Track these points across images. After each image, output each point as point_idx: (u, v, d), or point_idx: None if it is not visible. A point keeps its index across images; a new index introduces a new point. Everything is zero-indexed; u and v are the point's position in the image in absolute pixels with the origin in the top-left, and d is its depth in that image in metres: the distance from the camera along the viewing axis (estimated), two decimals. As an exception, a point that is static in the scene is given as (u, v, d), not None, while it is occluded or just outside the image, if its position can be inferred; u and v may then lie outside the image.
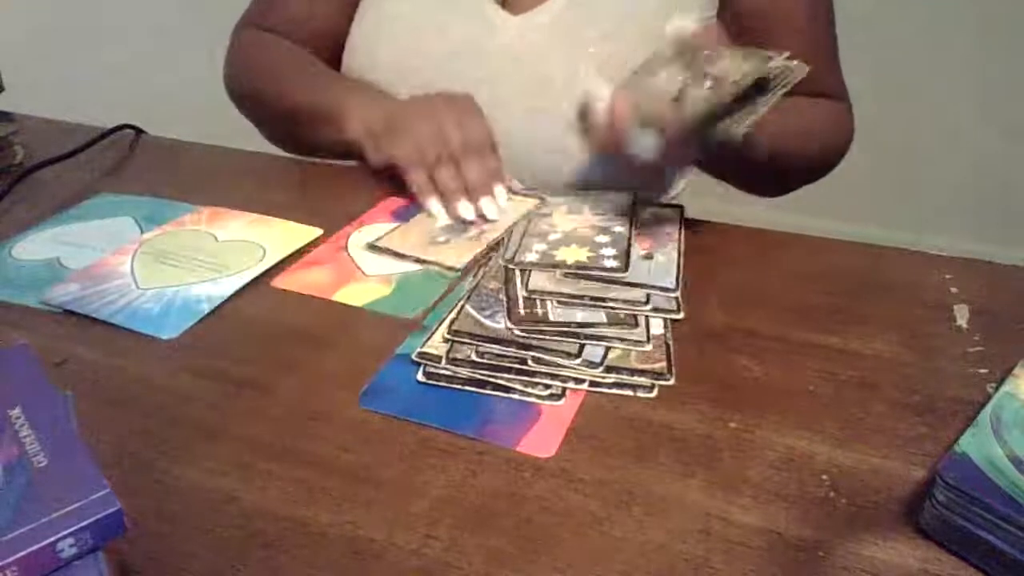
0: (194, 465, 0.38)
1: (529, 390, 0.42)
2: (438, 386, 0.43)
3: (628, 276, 0.49)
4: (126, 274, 0.53)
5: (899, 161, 1.68)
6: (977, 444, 0.35)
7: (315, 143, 0.71)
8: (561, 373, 0.43)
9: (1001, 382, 0.41)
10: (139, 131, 0.76)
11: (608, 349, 0.45)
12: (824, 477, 0.38)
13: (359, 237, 0.58)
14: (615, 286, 0.49)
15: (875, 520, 0.35)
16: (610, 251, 0.51)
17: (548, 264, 0.50)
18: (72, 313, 0.49)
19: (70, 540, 0.27)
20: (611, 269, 0.49)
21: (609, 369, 0.44)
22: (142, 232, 0.58)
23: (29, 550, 0.26)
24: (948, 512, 0.33)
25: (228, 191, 0.64)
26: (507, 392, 0.42)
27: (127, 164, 0.71)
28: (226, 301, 0.50)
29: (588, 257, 0.51)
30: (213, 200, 0.62)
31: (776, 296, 0.52)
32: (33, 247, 0.57)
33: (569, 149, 0.68)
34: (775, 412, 0.41)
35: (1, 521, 0.27)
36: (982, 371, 0.44)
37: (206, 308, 0.49)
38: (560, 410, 0.42)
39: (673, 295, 0.49)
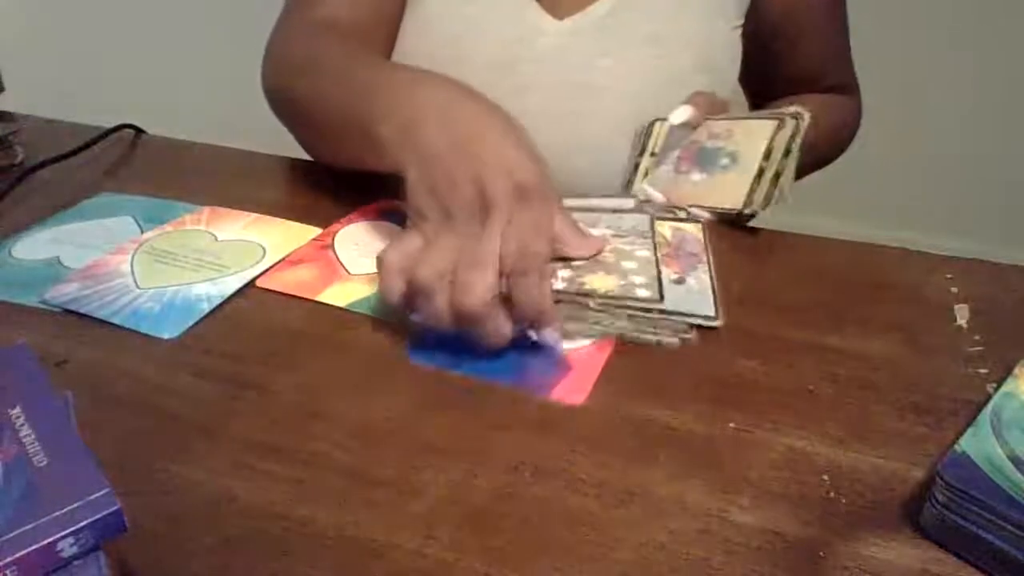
0: (194, 465, 0.38)
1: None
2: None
3: (664, 304, 0.47)
4: (126, 274, 0.53)
5: (899, 161, 1.68)
6: (977, 444, 0.35)
7: (351, 159, 0.59)
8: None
9: (1001, 382, 0.41)
10: (139, 131, 0.76)
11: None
12: (824, 477, 0.38)
13: (345, 235, 0.58)
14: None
15: (875, 520, 0.35)
16: (640, 278, 0.48)
17: (576, 293, 0.47)
18: (72, 313, 0.49)
19: (70, 540, 0.27)
20: (646, 299, 0.47)
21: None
22: (142, 232, 0.58)
23: (29, 550, 0.26)
24: (948, 512, 0.33)
25: (228, 191, 0.64)
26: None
27: (127, 164, 0.71)
28: (226, 301, 0.50)
29: (620, 286, 0.48)
30: (213, 200, 0.62)
31: (776, 296, 0.52)
32: (33, 247, 0.57)
33: (614, 154, 0.68)
34: (775, 412, 0.41)
35: (1, 521, 0.27)
36: (982, 371, 0.44)
37: (206, 308, 0.49)
38: (590, 360, 0.45)
39: (715, 323, 0.47)
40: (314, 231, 0.58)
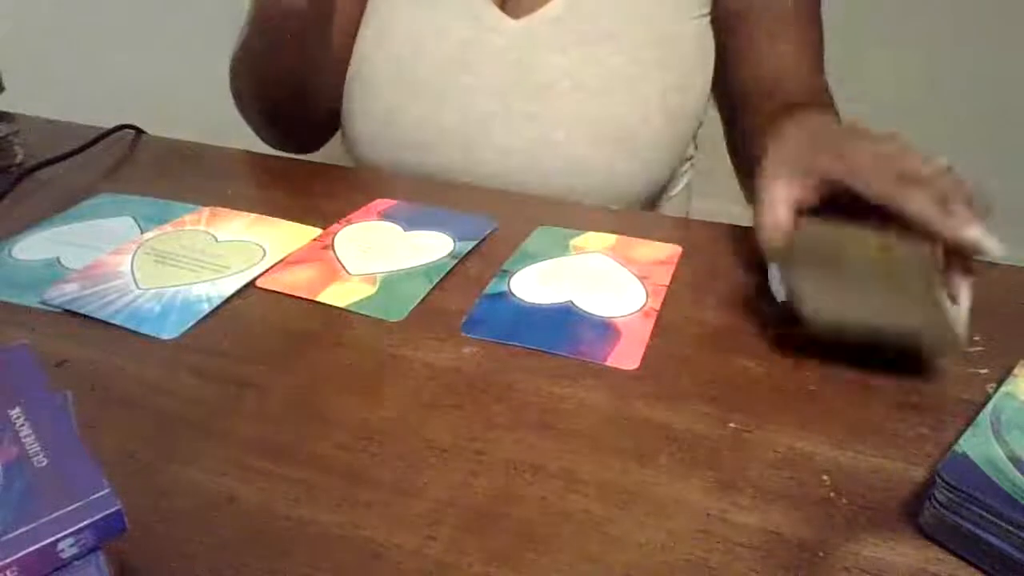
0: (194, 465, 0.38)
1: None
2: (528, 316, 0.49)
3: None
4: (125, 274, 0.53)
5: (899, 161, 1.68)
6: (977, 444, 0.35)
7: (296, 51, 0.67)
8: None
9: (1001, 382, 0.41)
10: (139, 131, 0.76)
11: None
12: (824, 477, 0.38)
13: (345, 235, 0.58)
14: None
15: (875, 520, 0.35)
16: None
17: None
18: (72, 313, 0.49)
19: (70, 540, 0.27)
20: None
21: None
22: (142, 232, 0.58)
23: (29, 550, 0.26)
24: (948, 512, 0.33)
25: (228, 191, 0.64)
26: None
27: (127, 164, 0.71)
28: (226, 301, 0.50)
29: None
30: (213, 200, 0.62)
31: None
32: (33, 247, 0.57)
33: (571, 156, 0.68)
34: (775, 412, 0.41)
35: (1, 521, 0.27)
36: (982, 371, 0.44)
37: (206, 308, 0.49)
38: (638, 327, 0.48)
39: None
40: (314, 231, 0.58)
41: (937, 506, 0.34)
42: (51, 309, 0.50)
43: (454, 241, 0.57)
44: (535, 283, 0.53)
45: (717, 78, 0.73)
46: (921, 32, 1.61)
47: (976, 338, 0.47)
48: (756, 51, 0.70)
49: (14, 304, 0.50)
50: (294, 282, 0.52)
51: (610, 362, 0.45)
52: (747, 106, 0.71)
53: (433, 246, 0.57)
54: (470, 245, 0.57)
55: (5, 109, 0.76)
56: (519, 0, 0.69)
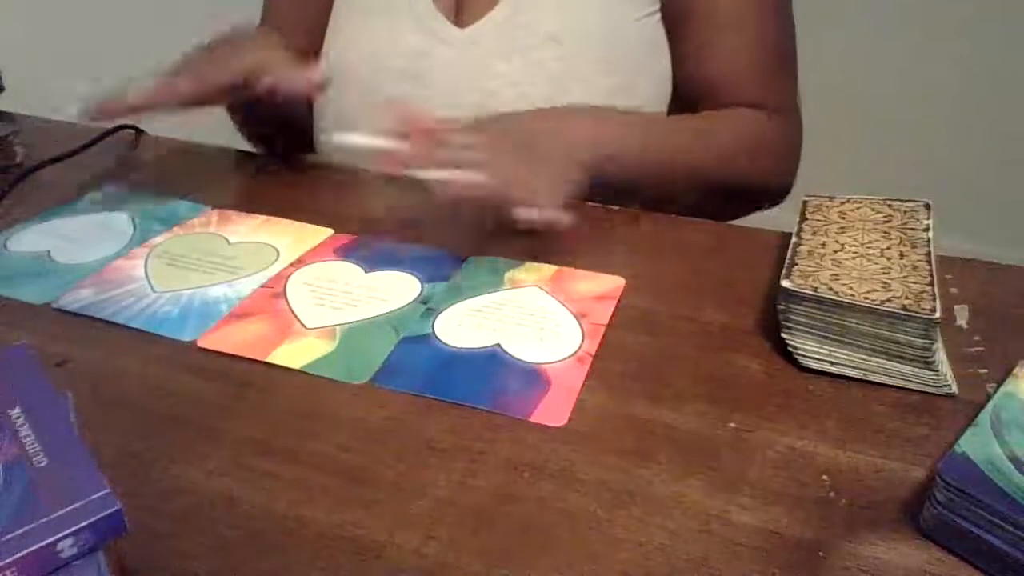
0: (194, 465, 0.38)
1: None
2: (451, 363, 0.45)
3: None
4: (140, 278, 0.53)
5: (899, 161, 1.68)
6: (977, 444, 0.35)
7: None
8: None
9: (1001, 382, 0.41)
10: (139, 131, 0.76)
11: None
12: (824, 477, 0.38)
13: (298, 281, 0.53)
14: None
15: (875, 520, 0.35)
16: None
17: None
18: (73, 314, 0.49)
19: (70, 540, 0.27)
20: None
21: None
22: (135, 228, 0.58)
23: (29, 550, 0.26)
24: (948, 512, 0.33)
25: (228, 191, 0.64)
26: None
27: (127, 164, 0.71)
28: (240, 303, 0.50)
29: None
30: (213, 200, 0.62)
31: (775, 295, 0.51)
32: (24, 240, 0.57)
33: None
34: (775, 412, 0.41)
35: (1, 521, 0.27)
36: (982, 371, 0.44)
37: (224, 309, 0.49)
38: (569, 379, 0.43)
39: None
40: (325, 232, 0.58)
41: (937, 506, 0.34)
42: (51, 309, 0.50)
43: (421, 283, 0.52)
44: (462, 323, 0.48)
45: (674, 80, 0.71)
46: (919, 30, 1.61)
47: (976, 338, 0.47)
48: (699, 49, 0.68)
49: (14, 303, 0.50)
50: (242, 341, 0.47)
51: (535, 418, 0.41)
52: (696, 108, 0.69)
53: (398, 290, 0.51)
54: (441, 287, 0.52)
55: (5, 109, 0.76)
56: (468, 8, 0.68)
